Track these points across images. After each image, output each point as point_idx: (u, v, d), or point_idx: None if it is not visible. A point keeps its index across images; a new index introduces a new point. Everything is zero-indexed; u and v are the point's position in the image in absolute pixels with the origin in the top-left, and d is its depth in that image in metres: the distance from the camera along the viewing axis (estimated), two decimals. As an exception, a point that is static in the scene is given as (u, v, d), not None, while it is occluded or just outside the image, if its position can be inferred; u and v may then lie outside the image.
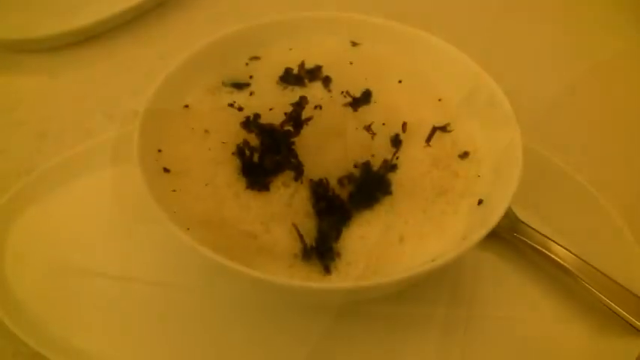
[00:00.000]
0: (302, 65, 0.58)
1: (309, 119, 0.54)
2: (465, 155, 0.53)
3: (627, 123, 0.71)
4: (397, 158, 0.53)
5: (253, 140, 0.53)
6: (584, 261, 0.53)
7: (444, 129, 0.55)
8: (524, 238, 0.56)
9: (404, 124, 0.55)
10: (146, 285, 0.55)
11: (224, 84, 0.57)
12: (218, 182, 0.51)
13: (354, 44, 0.60)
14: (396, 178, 0.52)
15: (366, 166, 0.52)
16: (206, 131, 0.54)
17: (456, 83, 0.56)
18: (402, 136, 0.54)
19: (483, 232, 0.45)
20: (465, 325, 0.54)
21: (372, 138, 0.54)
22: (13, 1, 0.80)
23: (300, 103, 0.55)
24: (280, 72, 0.58)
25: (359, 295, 0.50)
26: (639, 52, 0.78)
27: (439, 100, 0.57)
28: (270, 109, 0.55)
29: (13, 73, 0.76)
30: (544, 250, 0.55)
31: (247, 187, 0.50)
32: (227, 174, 0.51)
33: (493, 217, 0.46)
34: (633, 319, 0.50)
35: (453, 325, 0.54)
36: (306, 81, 0.58)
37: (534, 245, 0.55)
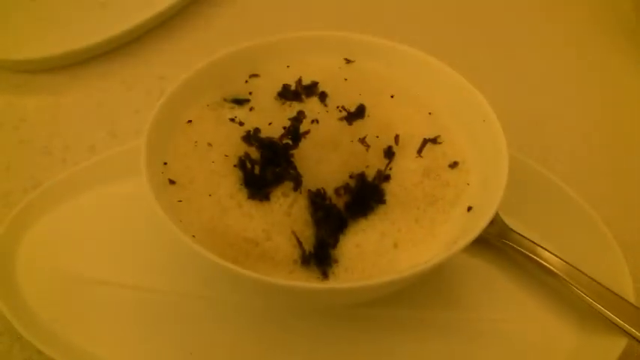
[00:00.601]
0: (299, 82, 0.61)
1: (306, 133, 0.56)
2: (454, 165, 0.56)
3: (611, 131, 0.74)
4: (390, 169, 0.56)
5: (254, 153, 0.55)
6: (570, 264, 0.56)
7: (434, 141, 0.57)
8: (513, 244, 0.58)
9: (396, 137, 0.57)
10: (153, 293, 0.57)
11: (225, 100, 0.60)
12: (221, 193, 0.53)
13: (348, 61, 0.63)
14: (389, 188, 0.55)
15: (361, 177, 0.55)
16: (209, 145, 0.56)
17: (446, 97, 0.59)
18: (395, 148, 0.57)
19: (472, 236, 0.48)
20: (458, 328, 0.56)
21: (367, 150, 0.56)
22: (16, 22, 0.83)
23: (298, 118, 0.58)
24: (278, 88, 0.60)
25: (355, 297, 0.52)
26: (628, 64, 0.81)
27: (429, 113, 0.59)
28: (270, 124, 0.57)
29: (17, 92, 0.78)
30: (532, 255, 0.57)
31: (249, 197, 0.53)
32: (230, 185, 0.53)
33: (481, 223, 0.49)
34: (616, 319, 0.53)
35: (447, 327, 0.56)
36: (303, 96, 0.60)
37: (523, 251, 0.57)
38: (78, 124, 0.75)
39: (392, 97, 0.60)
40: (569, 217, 0.60)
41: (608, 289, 0.54)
